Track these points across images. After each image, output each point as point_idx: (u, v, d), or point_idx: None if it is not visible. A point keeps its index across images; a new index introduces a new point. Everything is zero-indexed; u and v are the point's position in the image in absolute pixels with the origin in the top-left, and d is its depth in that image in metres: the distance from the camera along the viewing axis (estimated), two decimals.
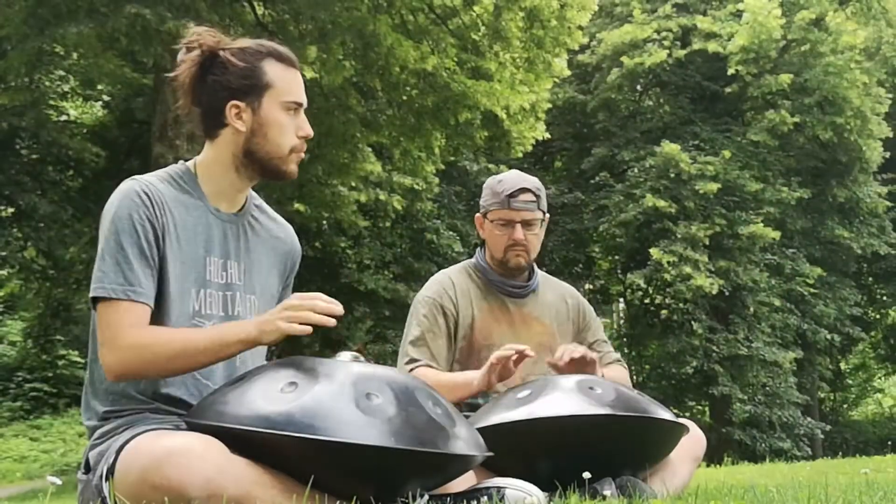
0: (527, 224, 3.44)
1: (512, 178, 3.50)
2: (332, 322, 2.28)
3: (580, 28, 16.24)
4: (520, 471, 2.49)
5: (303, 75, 2.60)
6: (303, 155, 2.56)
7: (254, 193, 2.70)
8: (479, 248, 3.64)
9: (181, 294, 2.43)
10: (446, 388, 3.14)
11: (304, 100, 2.55)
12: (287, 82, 2.51)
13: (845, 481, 4.04)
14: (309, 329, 2.26)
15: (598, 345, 3.65)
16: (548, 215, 3.60)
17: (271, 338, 2.30)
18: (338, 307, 2.31)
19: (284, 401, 2.11)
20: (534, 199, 3.45)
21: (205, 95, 2.52)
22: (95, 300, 2.36)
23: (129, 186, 2.43)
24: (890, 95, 24.64)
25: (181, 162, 2.61)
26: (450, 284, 3.50)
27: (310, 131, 2.55)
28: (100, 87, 19.29)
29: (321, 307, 2.28)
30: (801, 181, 24.77)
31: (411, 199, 20.05)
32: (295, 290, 2.73)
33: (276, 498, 2.07)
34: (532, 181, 3.50)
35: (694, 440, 3.16)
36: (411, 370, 3.28)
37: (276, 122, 2.49)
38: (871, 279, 30.07)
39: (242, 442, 2.09)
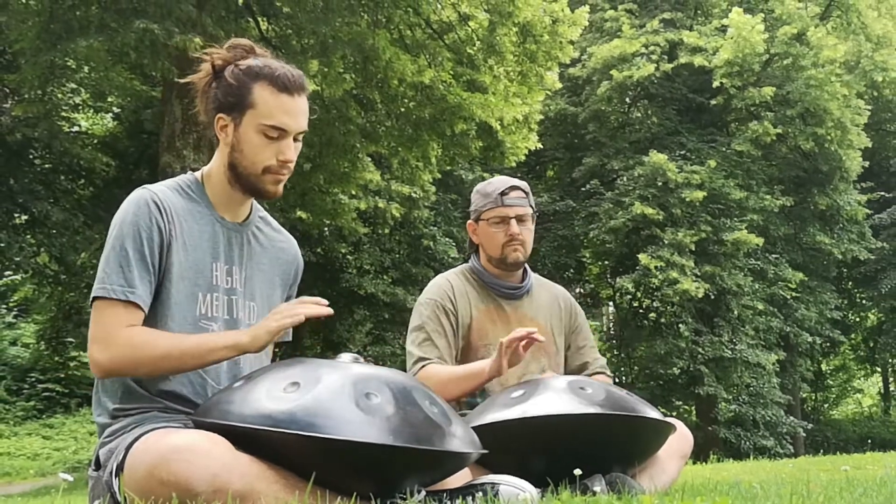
0: (520, 219, 3.47)
1: (500, 179, 3.56)
2: (322, 313, 2.36)
3: (571, 43, 16.24)
4: (513, 468, 2.49)
5: None
6: (281, 178, 2.52)
7: (258, 206, 2.71)
8: (472, 256, 3.64)
9: (188, 297, 2.46)
10: (460, 378, 3.15)
11: (289, 126, 2.49)
12: (270, 107, 2.47)
13: (826, 478, 4.04)
14: (298, 320, 2.34)
15: (586, 351, 3.63)
16: (536, 213, 3.63)
17: (260, 342, 2.34)
18: (323, 303, 2.36)
19: (287, 400, 2.11)
20: (524, 195, 3.50)
21: (206, 106, 2.56)
22: (95, 299, 2.39)
23: (140, 195, 2.46)
24: (869, 107, 24.65)
25: (190, 172, 2.64)
26: (449, 286, 3.49)
27: (289, 157, 2.50)
28: (110, 99, 19.31)
29: (310, 304, 2.35)
30: (783, 189, 24.82)
31: (409, 206, 20.05)
32: (298, 294, 2.75)
33: (280, 493, 2.07)
34: (519, 181, 3.56)
35: (681, 438, 3.16)
36: (422, 367, 3.26)
37: (249, 140, 2.48)
38: (850, 283, 30.10)
39: (247, 439, 2.09)
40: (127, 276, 2.37)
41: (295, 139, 2.53)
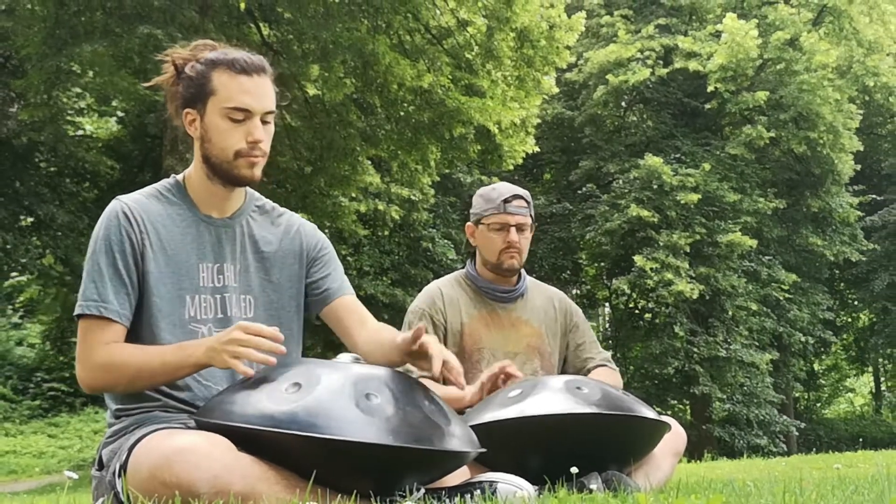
0: (520, 228, 3.49)
1: (505, 186, 3.57)
2: (273, 361, 2.21)
3: (568, 48, 16.25)
4: (511, 466, 2.48)
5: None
6: (254, 160, 2.46)
7: (256, 195, 2.67)
8: (469, 259, 3.65)
9: (174, 301, 2.43)
10: None
11: (252, 106, 2.43)
12: (230, 90, 2.43)
13: (819, 476, 4.04)
14: (250, 371, 2.21)
15: (587, 346, 3.64)
16: (535, 223, 3.63)
17: (221, 365, 2.27)
18: (280, 345, 2.22)
19: (288, 401, 2.10)
20: (525, 205, 3.52)
21: (174, 106, 2.54)
22: (78, 317, 2.40)
23: (111, 208, 2.45)
24: (861, 111, 24.63)
25: (172, 175, 2.61)
26: (438, 295, 3.52)
27: (259, 137, 2.44)
28: (114, 103, 19.29)
29: (265, 346, 2.21)
30: (776, 192, 24.79)
31: (408, 209, 20.06)
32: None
33: (281, 493, 2.07)
34: (522, 190, 3.57)
35: (675, 436, 3.16)
36: None
37: (215, 127, 2.44)
38: (842, 285, 30.10)
39: (248, 440, 2.09)
40: (100, 291, 2.37)
41: (265, 122, 2.47)
